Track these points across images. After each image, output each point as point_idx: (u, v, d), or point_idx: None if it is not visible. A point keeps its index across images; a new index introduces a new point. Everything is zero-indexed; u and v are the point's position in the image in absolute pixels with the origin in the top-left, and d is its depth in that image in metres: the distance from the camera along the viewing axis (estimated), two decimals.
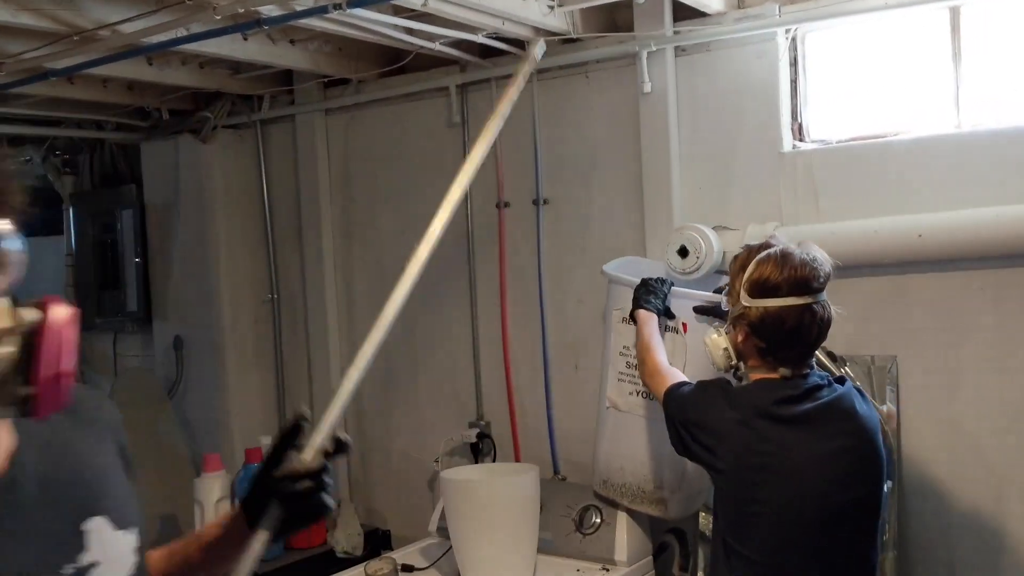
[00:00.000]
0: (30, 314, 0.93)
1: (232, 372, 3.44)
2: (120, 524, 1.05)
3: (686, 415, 1.88)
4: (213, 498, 2.91)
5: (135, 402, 3.41)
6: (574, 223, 2.84)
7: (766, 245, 1.86)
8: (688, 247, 2.42)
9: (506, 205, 2.95)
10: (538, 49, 1.66)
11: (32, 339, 0.91)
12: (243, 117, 3.41)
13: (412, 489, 3.18)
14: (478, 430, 3.01)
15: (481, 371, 3.05)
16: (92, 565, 1.00)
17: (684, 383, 1.95)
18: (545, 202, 2.87)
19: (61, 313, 0.94)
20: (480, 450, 2.98)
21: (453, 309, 3.09)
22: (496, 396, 3.03)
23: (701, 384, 1.92)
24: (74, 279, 3.89)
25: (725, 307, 1.93)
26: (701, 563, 2.53)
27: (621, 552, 2.46)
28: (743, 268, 1.85)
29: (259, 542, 1.15)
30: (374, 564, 2.44)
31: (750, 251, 1.88)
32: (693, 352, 2.25)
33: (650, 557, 2.54)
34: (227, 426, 3.42)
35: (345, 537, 2.94)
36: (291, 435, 1.20)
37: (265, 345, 3.49)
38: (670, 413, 1.92)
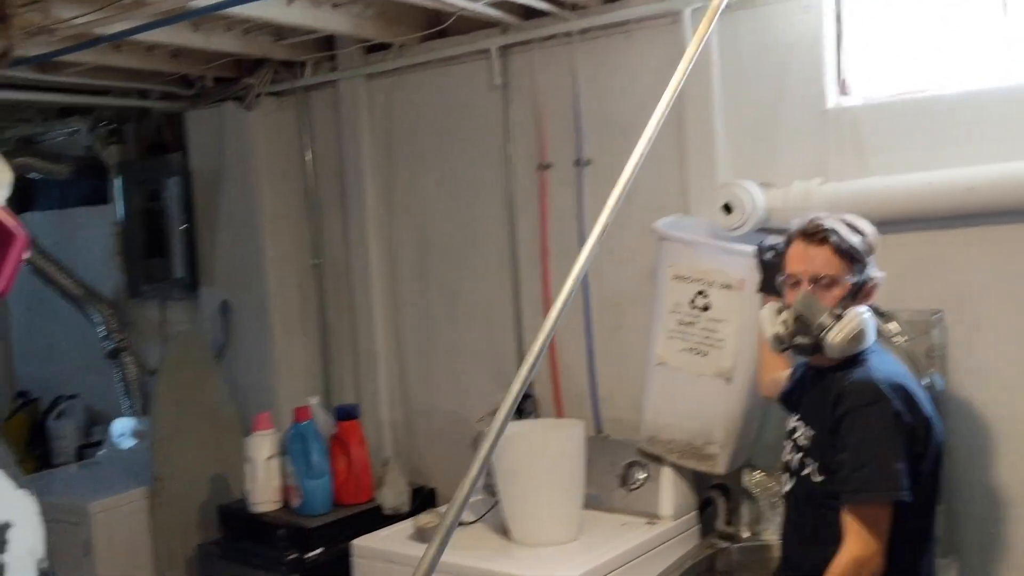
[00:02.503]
0: None
1: (278, 336, 3.50)
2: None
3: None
4: (263, 455, 2.98)
5: (185, 365, 3.47)
6: (616, 183, 2.84)
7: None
8: (732, 204, 2.42)
9: (548, 167, 2.96)
10: None
11: None
12: (286, 84, 3.44)
13: (457, 449, 3.22)
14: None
15: (523, 332, 3.07)
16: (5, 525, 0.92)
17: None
18: (587, 162, 2.88)
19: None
20: (523, 410, 3.01)
21: (495, 270, 3.11)
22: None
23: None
24: (122, 248, 3.96)
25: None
26: (744, 518, 2.55)
27: (666, 506, 2.49)
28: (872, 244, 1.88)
29: None
30: (424, 517, 2.49)
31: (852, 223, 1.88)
32: (750, 312, 2.23)
33: (695, 512, 2.57)
34: (274, 388, 3.49)
35: (392, 494, 2.99)
36: None
37: (310, 309, 3.54)
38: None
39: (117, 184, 3.92)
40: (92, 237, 4.11)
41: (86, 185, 4.06)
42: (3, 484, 0.94)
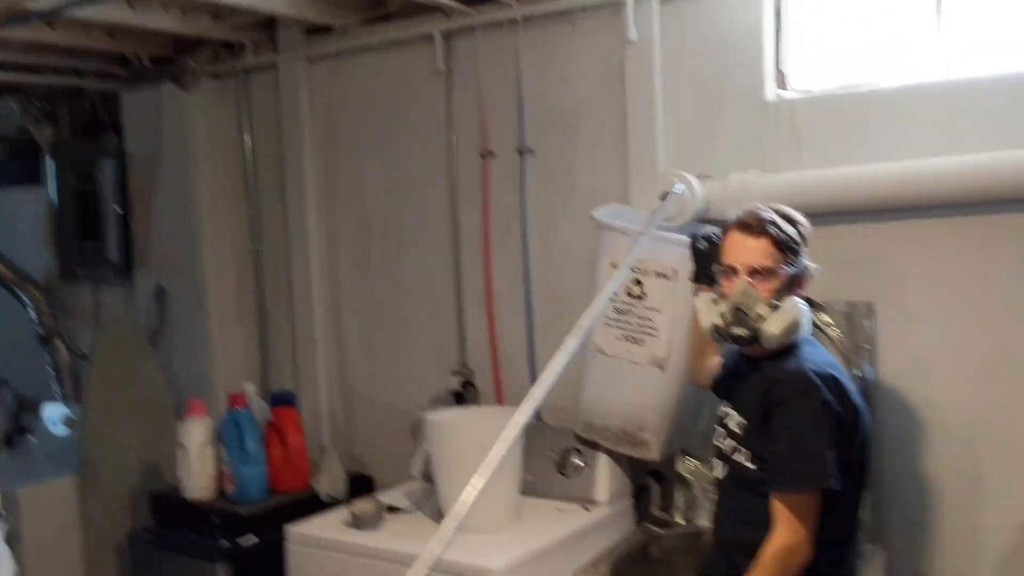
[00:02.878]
0: None
1: (214, 322, 3.45)
2: None
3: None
4: (197, 442, 2.93)
5: (118, 351, 3.40)
6: (559, 172, 2.85)
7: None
8: (671, 193, 2.44)
9: (490, 154, 2.96)
10: None
11: None
12: (226, 66, 3.39)
13: (395, 437, 3.20)
14: (462, 378, 3.04)
15: (465, 320, 3.07)
16: None
17: None
18: (530, 151, 2.88)
19: None
20: (464, 398, 3.01)
21: (437, 259, 3.10)
22: (479, 345, 3.05)
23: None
24: (54, 230, 3.87)
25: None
26: (678, 504, 2.58)
27: (602, 492, 2.51)
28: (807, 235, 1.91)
29: None
30: (359, 503, 2.47)
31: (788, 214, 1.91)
32: (683, 301, 2.27)
33: (630, 498, 2.60)
34: (210, 374, 3.44)
35: (328, 481, 2.97)
36: None
37: (248, 295, 3.50)
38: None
39: (50, 165, 3.82)
40: (24, 218, 4.01)
41: (18, 165, 3.96)
42: None
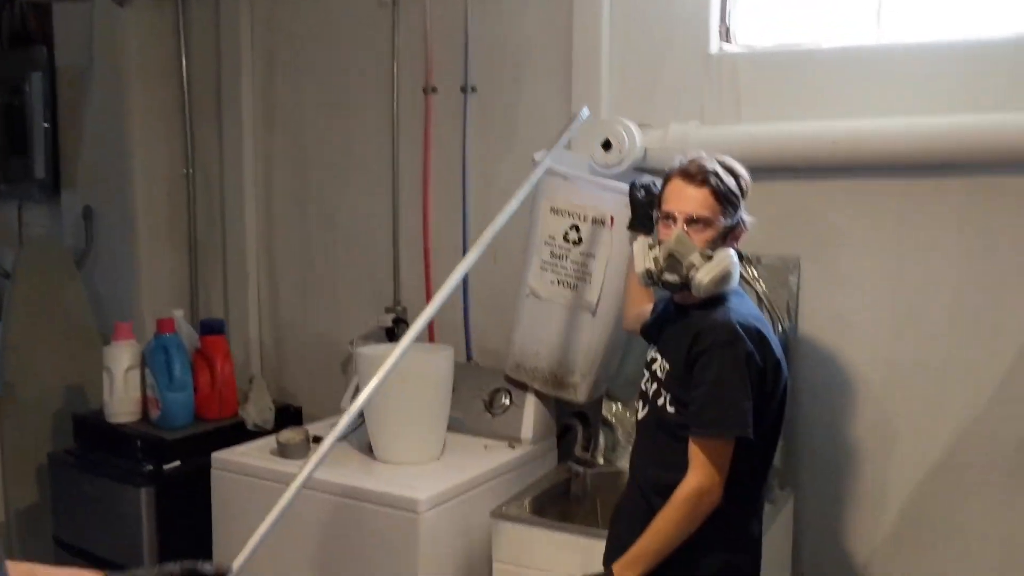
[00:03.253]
0: None
1: (143, 245, 3.38)
2: None
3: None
4: (123, 366, 2.89)
5: (42, 272, 3.32)
6: (502, 113, 2.85)
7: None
8: (612, 140, 2.47)
9: (433, 91, 2.93)
10: None
11: None
12: None
13: (326, 371, 3.21)
14: (394, 315, 3.04)
15: (400, 257, 3.07)
16: None
17: None
18: (473, 89, 2.86)
19: None
20: (396, 335, 3.02)
21: (375, 194, 3.08)
22: (414, 283, 3.06)
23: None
24: None
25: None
26: (601, 446, 2.64)
27: (527, 431, 2.56)
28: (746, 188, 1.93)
29: None
30: (286, 433, 2.48)
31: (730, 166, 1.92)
32: (618, 248, 2.31)
33: (554, 438, 2.66)
34: (137, 299, 3.38)
35: (256, 411, 2.97)
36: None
37: (179, 220, 3.43)
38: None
39: None
40: None
41: None
42: None
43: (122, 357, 2.90)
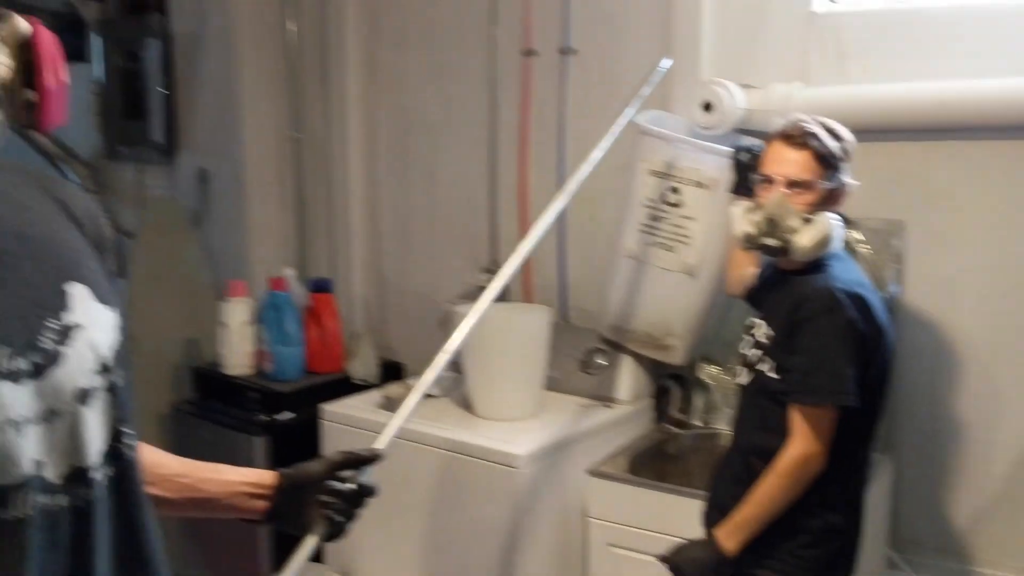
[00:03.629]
0: (22, 26, 0.91)
1: (255, 206, 3.51)
2: (101, 299, 0.99)
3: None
4: (238, 321, 3.05)
5: (161, 231, 3.50)
6: (600, 75, 2.85)
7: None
8: (713, 102, 2.45)
9: (533, 53, 2.96)
10: None
11: (26, 52, 0.91)
12: None
13: (425, 327, 3.30)
14: (491, 275, 3.10)
15: (498, 219, 3.12)
16: (76, 326, 0.95)
17: None
18: (572, 52, 2.87)
19: (46, 30, 0.93)
20: None
21: (473, 155, 3.13)
22: (511, 244, 3.10)
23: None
24: (99, 107, 3.91)
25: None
26: (697, 408, 2.67)
27: (623, 391, 2.60)
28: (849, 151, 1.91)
29: (308, 547, 1.29)
30: (393, 388, 2.59)
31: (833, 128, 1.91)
32: (719, 211, 2.31)
33: (650, 398, 2.69)
34: (249, 257, 3.52)
35: (362, 366, 3.09)
36: (356, 463, 1.34)
37: (287, 182, 3.55)
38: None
39: (96, 42, 3.84)
40: (69, 96, 4.05)
41: (64, 41, 3.96)
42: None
43: (237, 313, 3.06)
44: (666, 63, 2.46)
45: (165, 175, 3.84)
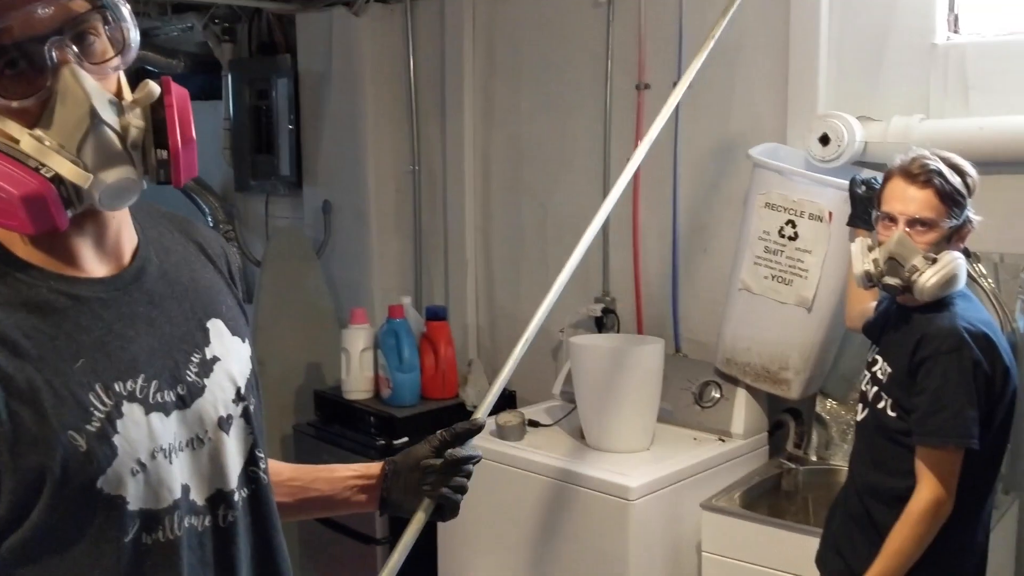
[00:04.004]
0: (153, 88, 0.95)
1: (375, 236, 3.66)
2: (235, 332, 1.10)
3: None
4: (358, 347, 3.17)
5: (286, 259, 3.67)
6: (714, 108, 2.87)
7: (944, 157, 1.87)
8: (830, 135, 2.44)
9: (646, 87, 2.99)
10: None
11: (157, 111, 0.95)
12: None
13: (537, 356, 3.35)
14: (603, 305, 3.14)
15: (610, 249, 3.16)
16: (215, 359, 1.05)
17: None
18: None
19: (179, 88, 0.98)
20: (604, 324, 3.12)
21: (586, 188, 3.18)
22: (623, 274, 3.14)
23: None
24: (231, 142, 4.14)
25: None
26: (814, 443, 2.63)
27: (738, 425, 2.59)
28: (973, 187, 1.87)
29: (418, 525, 1.33)
30: (504, 415, 2.64)
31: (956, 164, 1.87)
32: (836, 244, 2.30)
33: (765, 433, 2.67)
34: (369, 286, 3.67)
35: (476, 393, 3.16)
36: (458, 438, 1.37)
37: (405, 213, 3.68)
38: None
39: (228, 81, 4.07)
40: (203, 130, 4.19)
41: (199, 80, 4.23)
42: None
43: (358, 339, 3.18)
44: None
45: (291, 207, 4.04)
